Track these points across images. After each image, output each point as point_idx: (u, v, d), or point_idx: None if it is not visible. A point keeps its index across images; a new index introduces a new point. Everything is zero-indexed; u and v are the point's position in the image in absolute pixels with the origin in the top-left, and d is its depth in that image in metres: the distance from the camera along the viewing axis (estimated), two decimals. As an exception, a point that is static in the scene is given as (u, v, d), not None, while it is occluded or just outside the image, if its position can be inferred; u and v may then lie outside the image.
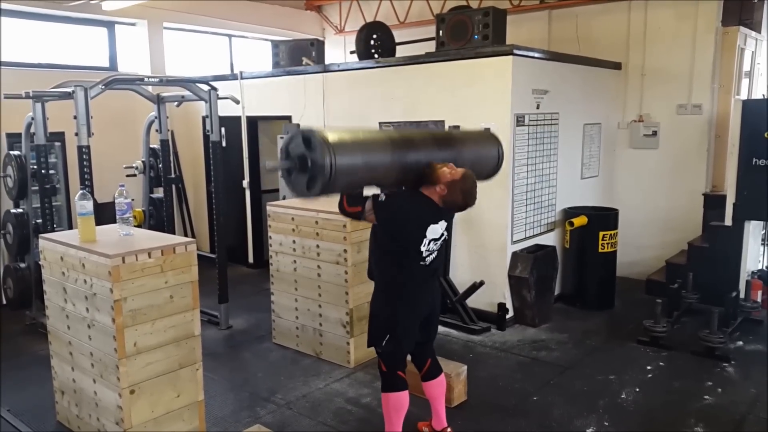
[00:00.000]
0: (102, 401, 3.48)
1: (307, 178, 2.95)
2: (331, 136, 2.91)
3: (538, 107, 5.77)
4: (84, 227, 3.55)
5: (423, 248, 3.26)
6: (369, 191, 3.30)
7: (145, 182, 6.60)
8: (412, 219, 3.24)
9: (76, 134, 4.81)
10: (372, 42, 6.98)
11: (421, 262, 3.31)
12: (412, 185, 3.29)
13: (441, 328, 5.53)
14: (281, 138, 6.95)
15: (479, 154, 3.74)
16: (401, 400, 3.44)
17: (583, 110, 6.62)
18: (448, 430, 3.69)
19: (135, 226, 4.28)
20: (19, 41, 7.03)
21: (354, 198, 3.23)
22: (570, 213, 6.22)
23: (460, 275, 5.83)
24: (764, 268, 6.17)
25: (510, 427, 3.93)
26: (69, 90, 4.84)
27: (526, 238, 5.86)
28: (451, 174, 3.20)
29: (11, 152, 5.78)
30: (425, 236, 3.24)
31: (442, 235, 3.35)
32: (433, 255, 3.36)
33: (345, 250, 4.66)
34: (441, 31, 5.95)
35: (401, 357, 3.45)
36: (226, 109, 6.15)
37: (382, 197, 3.21)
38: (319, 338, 4.98)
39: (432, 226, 3.26)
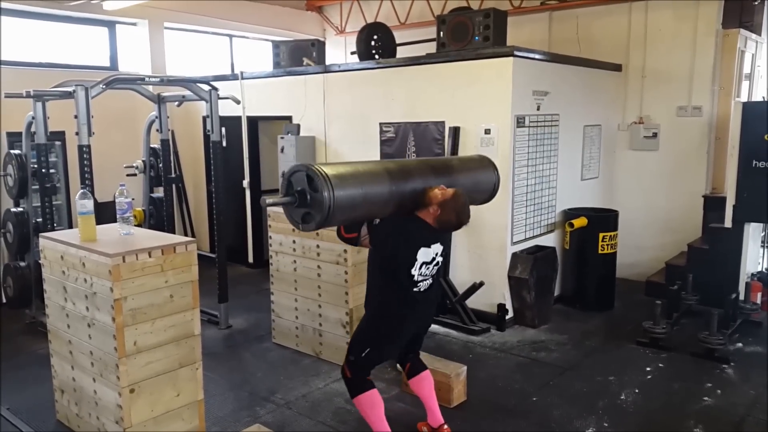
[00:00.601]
0: (102, 400, 3.48)
1: (303, 212, 3.04)
2: (332, 174, 2.97)
3: (538, 108, 5.78)
4: (84, 226, 3.56)
5: (415, 272, 3.29)
6: None
7: (146, 182, 6.60)
8: (404, 241, 3.28)
9: (77, 133, 4.82)
10: (373, 43, 6.99)
11: (415, 289, 3.34)
12: (408, 213, 3.33)
13: (441, 329, 5.57)
14: (281, 138, 6.98)
15: (476, 180, 3.80)
16: (372, 397, 3.48)
17: (584, 112, 6.62)
18: (445, 427, 3.69)
19: (135, 225, 4.28)
20: (21, 40, 7.03)
21: (350, 225, 3.31)
22: (570, 214, 6.22)
23: (459, 276, 5.83)
24: (764, 269, 6.18)
25: (509, 427, 3.94)
26: (70, 89, 4.84)
27: (526, 239, 5.87)
28: (442, 194, 3.26)
29: (12, 151, 5.79)
30: (416, 259, 3.27)
31: (434, 259, 3.37)
32: (428, 281, 3.39)
33: (345, 251, 4.65)
34: (442, 32, 5.95)
35: (372, 368, 3.54)
36: (226, 109, 6.16)
37: (377, 221, 3.29)
38: (318, 338, 4.99)
39: (423, 249, 3.29)
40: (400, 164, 3.55)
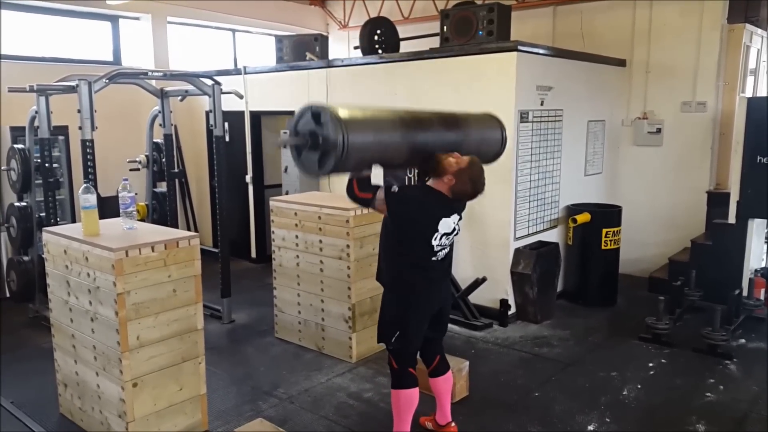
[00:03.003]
0: (105, 394, 3.49)
1: (318, 155, 2.85)
2: (342, 112, 2.84)
3: (542, 104, 5.76)
4: (87, 221, 3.56)
5: (435, 242, 3.22)
6: (379, 180, 3.25)
7: (149, 176, 6.60)
8: (425, 212, 3.20)
9: (80, 128, 4.81)
10: (376, 37, 6.98)
11: (433, 258, 3.27)
12: (419, 168, 3.24)
13: (443, 324, 5.55)
14: (284, 133, 6.97)
15: (484, 136, 3.68)
16: (411, 397, 3.43)
17: (587, 107, 6.60)
18: (452, 424, 3.69)
19: (138, 220, 4.29)
20: (24, 35, 7.03)
21: (364, 183, 3.14)
22: (573, 210, 6.21)
23: (462, 271, 5.83)
24: (767, 265, 6.16)
25: (511, 422, 3.94)
26: (73, 84, 4.84)
27: (528, 235, 5.86)
28: (457, 163, 3.16)
29: (15, 145, 5.79)
30: (437, 230, 3.20)
31: (455, 229, 3.31)
32: (446, 250, 3.32)
33: (348, 246, 4.66)
34: (445, 27, 5.93)
35: (411, 354, 3.44)
36: (229, 103, 6.15)
37: (395, 188, 3.15)
38: (321, 333, 4.99)
39: (444, 219, 3.21)
40: (411, 112, 3.41)
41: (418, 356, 3.57)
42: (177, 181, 6.96)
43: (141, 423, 3.39)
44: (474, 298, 5.68)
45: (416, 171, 3.37)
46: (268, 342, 5.32)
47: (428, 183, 3.24)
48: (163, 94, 6.16)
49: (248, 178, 7.70)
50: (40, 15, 7.16)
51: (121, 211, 3.69)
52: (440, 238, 3.24)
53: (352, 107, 3.02)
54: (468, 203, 3.39)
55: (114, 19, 7.80)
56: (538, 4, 7.59)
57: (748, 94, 7.09)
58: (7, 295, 6.08)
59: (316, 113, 2.84)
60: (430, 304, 3.38)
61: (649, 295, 6.12)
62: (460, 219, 3.36)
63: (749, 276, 5.54)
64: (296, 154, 2.96)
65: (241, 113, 7.43)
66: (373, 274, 3.68)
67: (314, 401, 4.21)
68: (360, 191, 3.15)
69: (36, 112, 5.32)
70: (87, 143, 4.84)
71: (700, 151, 6.71)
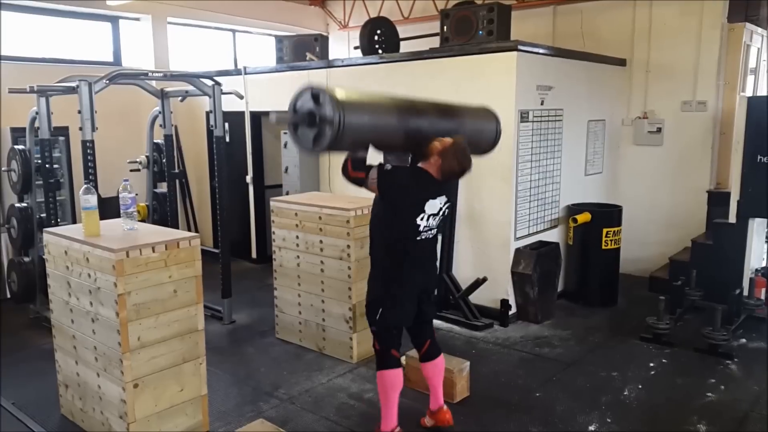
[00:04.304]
0: (106, 395, 3.49)
1: (314, 133, 2.98)
2: (340, 93, 2.96)
3: (542, 103, 5.76)
4: (88, 221, 3.56)
5: (421, 222, 3.34)
6: (373, 159, 3.36)
7: (149, 177, 6.61)
8: (413, 192, 3.33)
9: (80, 129, 4.82)
10: (376, 37, 6.98)
11: (418, 237, 3.38)
12: (414, 153, 3.38)
13: (444, 324, 5.57)
14: (285, 133, 6.97)
15: (479, 127, 3.81)
16: (395, 377, 3.50)
17: (588, 107, 6.60)
18: (445, 408, 3.74)
19: (139, 220, 4.29)
20: (24, 36, 7.04)
21: (359, 163, 3.29)
22: (573, 209, 6.21)
23: (463, 271, 5.83)
24: (768, 265, 6.16)
25: (512, 422, 3.94)
26: (73, 84, 4.84)
27: (529, 235, 5.85)
28: (441, 144, 3.32)
29: (15, 146, 5.79)
30: (424, 211, 3.33)
31: (441, 210, 3.42)
32: (433, 231, 3.44)
33: (348, 246, 4.66)
34: (445, 27, 5.93)
35: (394, 335, 3.52)
36: (229, 104, 6.15)
37: (388, 167, 3.29)
38: (322, 333, 4.99)
39: (431, 201, 3.35)
40: (408, 99, 3.57)
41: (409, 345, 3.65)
42: (177, 181, 6.97)
43: (142, 424, 3.39)
44: (474, 298, 5.68)
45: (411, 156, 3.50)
46: (269, 342, 5.32)
47: (419, 165, 3.39)
48: (163, 95, 6.17)
49: (248, 178, 7.69)
50: (41, 16, 7.16)
51: (121, 211, 3.69)
52: (427, 219, 3.36)
53: (350, 90, 3.14)
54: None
55: (114, 20, 7.81)
56: (538, 3, 7.60)
57: (749, 93, 7.09)
58: (8, 296, 6.09)
59: (315, 94, 2.97)
60: (414, 282, 3.49)
61: (650, 295, 6.12)
62: (448, 202, 3.48)
63: (750, 275, 5.53)
64: (293, 129, 3.09)
65: (242, 114, 7.43)
66: (373, 274, 3.71)
67: (315, 402, 4.22)
68: (353, 170, 3.31)
69: (36, 113, 5.32)
70: (87, 144, 4.85)
71: (700, 150, 6.71)
